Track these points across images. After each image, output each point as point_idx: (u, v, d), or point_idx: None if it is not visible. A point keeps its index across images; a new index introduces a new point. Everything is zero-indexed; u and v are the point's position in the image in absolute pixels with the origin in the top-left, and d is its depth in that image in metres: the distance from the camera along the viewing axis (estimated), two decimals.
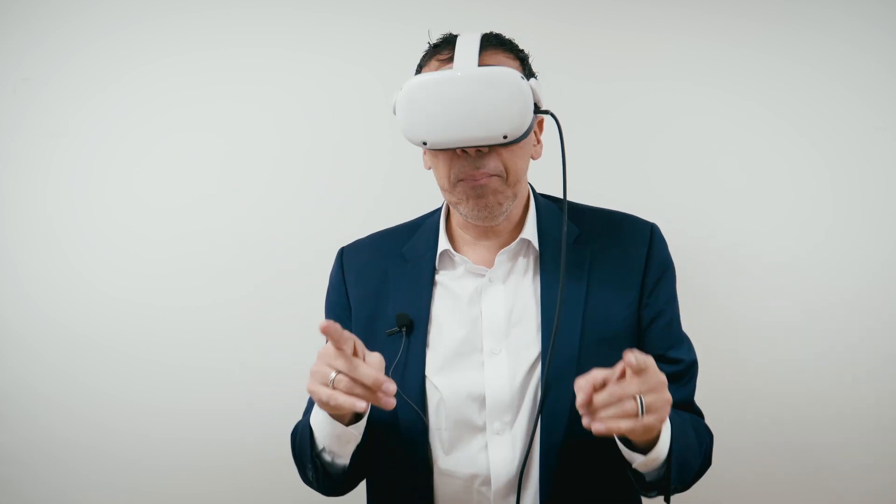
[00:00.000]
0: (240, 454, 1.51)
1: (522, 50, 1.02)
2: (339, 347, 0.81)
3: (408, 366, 0.99)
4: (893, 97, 1.41)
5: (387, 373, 0.94)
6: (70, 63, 1.51)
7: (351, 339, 0.82)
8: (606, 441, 0.90)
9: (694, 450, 0.95)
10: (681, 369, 1.01)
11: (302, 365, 1.44)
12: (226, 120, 1.51)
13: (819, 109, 1.43)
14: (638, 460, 0.87)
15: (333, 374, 0.80)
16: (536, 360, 0.97)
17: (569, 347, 0.95)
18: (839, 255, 1.43)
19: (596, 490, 0.97)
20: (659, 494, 0.93)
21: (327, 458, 0.95)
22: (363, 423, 0.92)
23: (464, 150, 0.93)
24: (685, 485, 0.98)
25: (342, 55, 1.50)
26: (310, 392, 0.82)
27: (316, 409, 0.92)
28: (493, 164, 0.94)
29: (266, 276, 1.51)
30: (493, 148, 0.94)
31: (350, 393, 0.80)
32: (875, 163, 1.42)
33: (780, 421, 1.45)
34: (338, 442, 0.92)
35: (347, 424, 0.91)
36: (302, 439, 0.97)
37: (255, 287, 1.51)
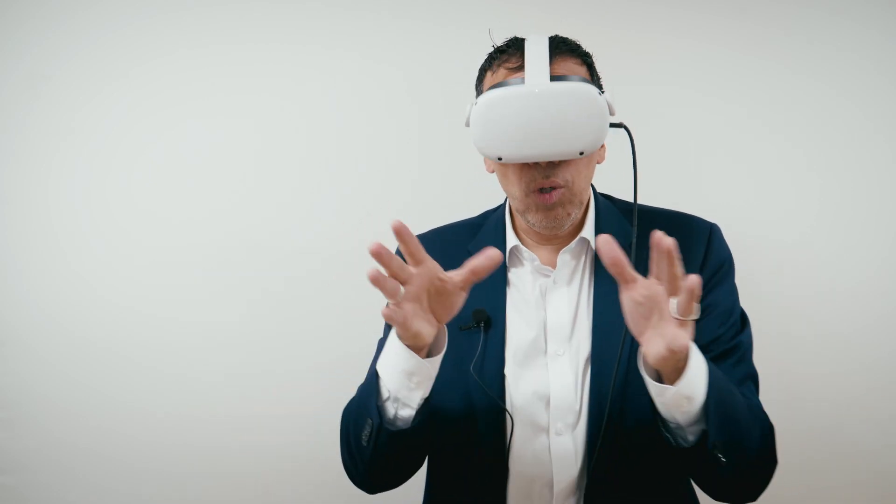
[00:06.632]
0: (248, 461, 1.50)
1: (588, 54, 1.02)
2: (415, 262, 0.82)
3: (486, 362, 0.98)
4: None
5: (466, 367, 0.97)
6: (79, 60, 1.49)
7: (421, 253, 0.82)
8: (668, 444, 0.88)
9: (745, 416, 0.88)
10: (730, 347, 0.99)
11: (313, 370, 1.47)
12: (246, 121, 1.50)
13: (821, 110, 1.44)
14: (669, 392, 0.81)
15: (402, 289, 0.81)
16: (586, 362, 0.97)
17: (619, 350, 0.95)
18: (846, 250, 1.44)
19: (658, 493, 0.98)
20: (711, 474, 0.88)
21: (390, 409, 0.90)
22: (438, 359, 0.89)
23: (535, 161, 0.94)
24: (739, 464, 0.86)
25: (370, 54, 1.49)
26: (385, 317, 0.82)
27: (386, 350, 0.89)
28: (562, 175, 0.95)
29: (280, 281, 1.50)
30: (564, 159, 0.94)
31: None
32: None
33: (792, 405, 1.44)
34: (407, 383, 0.87)
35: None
36: (362, 396, 0.94)
37: (268, 291, 1.50)
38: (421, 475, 1.05)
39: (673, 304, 0.78)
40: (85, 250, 1.50)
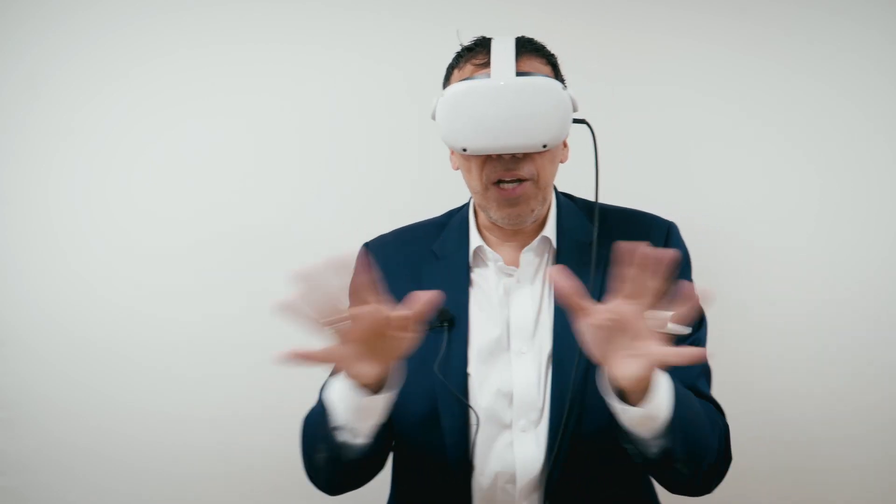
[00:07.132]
0: (248, 461, 1.50)
1: (553, 55, 1.03)
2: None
3: (450, 361, 0.99)
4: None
5: (431, 367, 0.97)
6: (79, 60, 1.49)
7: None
8: (632, 457, 0.89)
9: (705, 428, 0.91)
10: (688, 345, 0.97)
11: (314, 370, 1.47)
12: (246, 121, 1.50)
13: (821, 110, 1.44)
14: (634, 413, 0.81)
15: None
16: (548, 360, 0.98)
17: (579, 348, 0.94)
18: (846, 251, 1.44)
19: (619, 489, 0.99)
20: (671, 479, 0.91)
21: (345, 436, 0.88)
22: (387, 396, 0.87)
23: (499, 154, 0.94)
24: (697, 472, 0.90)
25: (370, 54, 1.49)
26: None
27: (332, 384, 0.88)
28: (527, 168, 0.96)
29: (280, 281, 1.47)
30: (528, 154, 0.95)
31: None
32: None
33: (783, 416, 1.45)
34: (358, 416, 0.86)
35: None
36: (315, 418, 0.94)
37: (268, 291, 1.46)
38: (386, 472, 1.05)
39: (656, 316, 0.77)
40: (85, 250, 1.50)
